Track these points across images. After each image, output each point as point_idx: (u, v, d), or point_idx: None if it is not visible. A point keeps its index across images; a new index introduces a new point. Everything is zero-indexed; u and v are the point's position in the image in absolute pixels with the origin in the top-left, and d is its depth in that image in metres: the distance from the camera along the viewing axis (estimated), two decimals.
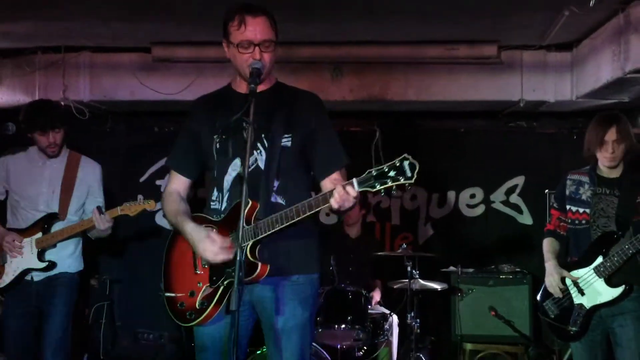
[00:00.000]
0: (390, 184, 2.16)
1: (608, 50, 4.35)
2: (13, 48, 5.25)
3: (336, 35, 4.95)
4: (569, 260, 3.53)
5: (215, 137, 2.51)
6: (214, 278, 2.43)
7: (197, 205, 2.66)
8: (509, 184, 6.09)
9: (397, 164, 2.17)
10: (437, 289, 4.81)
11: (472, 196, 6.13)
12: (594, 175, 3.44)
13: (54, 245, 3.75)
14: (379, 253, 4.98)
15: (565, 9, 4.12)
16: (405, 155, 2.19)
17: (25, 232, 3.74)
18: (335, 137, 2.55)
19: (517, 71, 5.23)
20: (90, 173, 3.90)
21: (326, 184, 2.50)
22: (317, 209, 2.28)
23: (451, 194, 6.14)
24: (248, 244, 2.34)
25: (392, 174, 2.16)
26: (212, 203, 2.55)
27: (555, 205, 3.61)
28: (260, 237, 2.35)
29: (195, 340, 2.56)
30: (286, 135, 2.46)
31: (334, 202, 2.22)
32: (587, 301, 3.38)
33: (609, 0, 3.84)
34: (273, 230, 2.33)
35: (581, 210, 3.43)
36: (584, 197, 3.44)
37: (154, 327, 5.75)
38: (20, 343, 3.78)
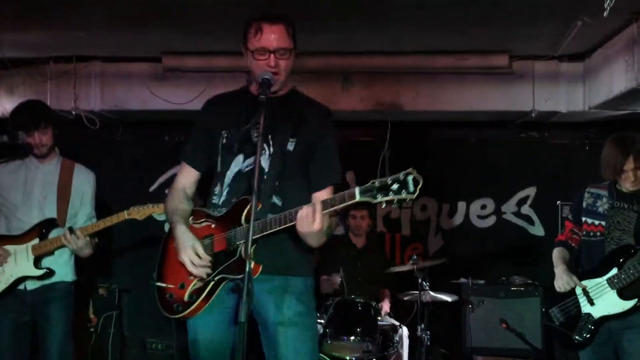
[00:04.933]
0: (392, 197, 2.15)
1: (621, 60, 4.31)
2: (24, 58, 5.28)
3: (346, 46, 4.94)
4: (580, 270, 3.49)
5: (223, 132, 2.54)
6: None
7: None
8: (521, 194, 6.04)
9: (401, 178, 2.15)
10: (447, 300, 4.76)
11: (483, 207, 6.08)
12: (614, 190, 3.41)
13: (52, 253, 3.57)
14: (390, 269, 4.95)
15: (578, 19, 4.09)
16: (410, 169, 2.17)
17: (20, 239, 3.57)
18: (334, 154, 2.56)
19: (528, 81, 5.20)
20: (85, 180, 3.75)
21: (314, 197, 2.51)
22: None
23: (462, 205, 6.09)
24: (242, 243, 2.36)
25: (394, 187, 2.14)
26: (213, 197, 2.56)
27: (570, 217, 3.59)
28: (254, 237, 2.31)
29: (191, 352, 2.53)
30: (291, 140, 2.49)
31: (297, 224, 2.27)
32: (596, 311, 3.34)
33: (622, 10, 3.80)
34: (265, 233, 2.34)
35: (597, 222, 3.40)
36: (600, 209, 3.41)
37: (163, 336, 5.73)
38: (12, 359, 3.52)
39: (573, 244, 3.55)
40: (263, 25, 2.41)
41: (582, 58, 5.06)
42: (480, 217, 6.10)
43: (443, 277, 5.18)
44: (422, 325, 4.62)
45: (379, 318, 4.51)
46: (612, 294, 3.30)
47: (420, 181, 2.13)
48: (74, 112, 5.36)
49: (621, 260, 3.30)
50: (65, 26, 4.51)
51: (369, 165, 6.00)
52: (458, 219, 6.11)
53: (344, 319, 4.37)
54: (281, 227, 2.32)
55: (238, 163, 2.51)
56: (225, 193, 2.52)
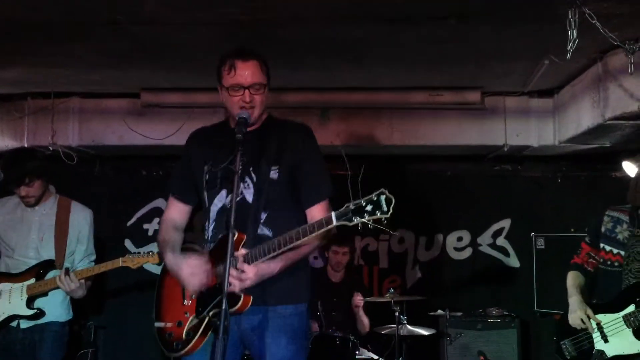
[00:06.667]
0: (367, 218, 2.18)
1: (588, 97, 4.45)
2: (2, 93, 5.28)
3: (324, 82, 5.03)
4: (595, 302, 3.31)
5: (205, 167, 2.57)
6: (200, 309, 2.46)
7: None
8: (496, 226, 6.14)
9: (375, 198, 2.19)
10: (425, 334, 4.78)
11: (460, 239, 6.16)
12: (635, 216, 3.23)
13: (45, 294, 3.64)
14: (367, 299, 4.96)
15: (545, 58, 4.23)
16: (382, 189, 2.20)
17: (16, 278, 3.65)
18: (321, 168, 2.59)
19: (500, 116, 5.34)
20: (82, 218, 3.82)
21: (308, 213, 2.54)
22: (297, 242, 2.30)
23: (439, 237, 6.17)
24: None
25: (369, 208, 2.17)
26: (204, 233, 2.61)
27: (587, 239, 3.41)
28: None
29: None
30: (273, 168, 2.51)
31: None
32: (609, 349, 3.17)
33: (587, 49, 3.94)
34: (256, 262, 2.35)
35: (615, 251, 3.23)
36: (620, 237, 3.23)
37: None
38: None
39: (589, 268, 3.38)
40: (236, 62, 2.46)
41: (551, 94, 5.23)
42: (456, 249, 6.17)
43: (420, 310, 5.21)
44: (400, 359, 4.63)
45: (357, 352, 4.52)
46: (628, 333, 3.12)
47: (392, 199, 2.17)
48: (51, 148, 5.36)
49: (639, 297, 3.12)
50: (44, 63, 4.53)
51: (345, 199, 6.05)
52: (435, 251, 6.17)
53: (322, 354, 4.37)
54: (271, 256, 2.32)
55: (222, 198, 2.55)
56: (211, 228, 2.56)
